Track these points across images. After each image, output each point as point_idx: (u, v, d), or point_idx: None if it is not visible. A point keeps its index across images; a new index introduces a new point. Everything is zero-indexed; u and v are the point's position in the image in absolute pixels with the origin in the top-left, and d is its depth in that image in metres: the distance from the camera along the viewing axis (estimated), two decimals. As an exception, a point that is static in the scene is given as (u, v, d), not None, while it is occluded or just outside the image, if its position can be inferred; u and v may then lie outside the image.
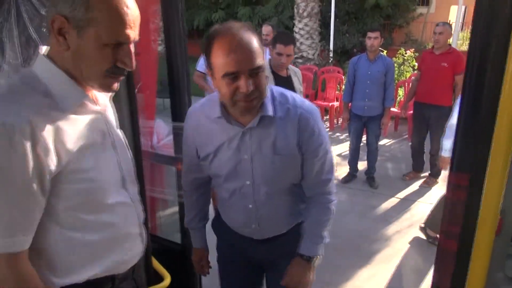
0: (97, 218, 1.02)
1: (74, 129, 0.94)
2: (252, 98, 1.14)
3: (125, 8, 0.90)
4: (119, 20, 0.89)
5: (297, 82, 2.87)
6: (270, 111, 1.24)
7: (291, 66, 2.91)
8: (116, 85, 0.99)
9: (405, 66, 7.22)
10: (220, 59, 1.10)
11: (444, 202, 1.21)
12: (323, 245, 1.42)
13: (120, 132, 1.15)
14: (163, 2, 1.68)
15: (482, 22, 1.00)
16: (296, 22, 9.16)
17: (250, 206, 1.37)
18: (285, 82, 2.66)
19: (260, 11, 12.27)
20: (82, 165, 0.95)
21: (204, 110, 1.33)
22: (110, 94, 1.09)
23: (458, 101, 2.87)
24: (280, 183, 1.35)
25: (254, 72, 1.11)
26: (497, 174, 0.94)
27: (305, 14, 8.98)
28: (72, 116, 0.94)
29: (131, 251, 1.13)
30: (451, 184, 1.16)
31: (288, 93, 1.32)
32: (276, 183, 1.34)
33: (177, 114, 1.81)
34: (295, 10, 9.18)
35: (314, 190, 1.40)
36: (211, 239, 1.62)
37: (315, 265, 1.43)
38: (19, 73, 0.98)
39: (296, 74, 2.91)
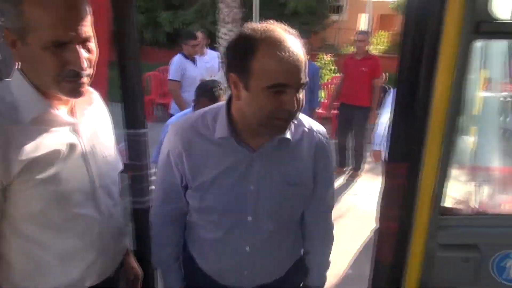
0: (54, 229, 1.02)
1: (32, 140, 0.93)
2: (290, 117, 0.99)
3: (61, 7, 0.88)
4: (54, 19, 0.87)
5: None
6: (288, 133, 1.07)
7: None
8: (81, 90, 0.96)
9: (324, 70, 7.74)
10: (270, 66, 0.92)
11: (383, 190, 1.41)
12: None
13: (101, 144, 1.12)
14: (114, 5, 1.61)
15: (412, 22, 1.11)
16: (220, 27, 9.29)
17: (247, 248, 1.15)
18: None
19: (181, 15, 12.16)
20: (38, 175, 0.95)
21: (196, 127, 1.10)
22: (91, 104, 1.10)
23: (386, 101, 3.19)
24: (286, 219, 1.18)
25: (301, 88, 0.97)
26: (432, 161, 1.14)
27: (228, 19, 9.14)
28: (32, 128, 0.94)
29: (91, 267, 1.10)
30: (389, 173, 1.36)
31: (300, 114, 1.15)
32: (283, 219, 1.16)
33: (131, 121, 1.80)
34: (218, 16, 9.30)
35: (319, 219, 1.28)
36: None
37: None
38: None
39: None
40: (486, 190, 1.75)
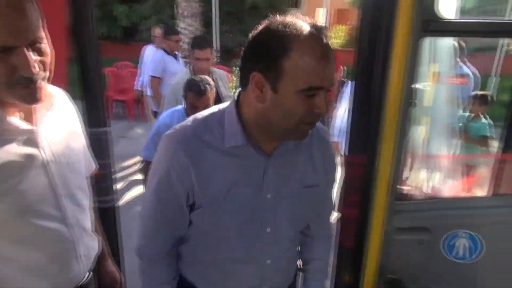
0: (18, 243, 0.97)
1: None
2: (317, 120, 0.92)
3: (2, 10, 0.81)
4: None
5: (222, 86, 2.73)
6: None
7: (216, 70, 2.85)
8: (37, 96, 0.90)
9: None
10: (306, 67, 0.81)
11: (344, 179, 1.49)
12: None
13: (66, 150, 1.05)
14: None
15: (367, 21, 1.18)
16: (179, 22, 9.16)
17: (269, 261, 1.06)
18: None
19: (137, 9, 11.86)
20: None
21: (200, 136, 0.96)
22: (52, 109, 1.03)
23: (344, 93, 3.28)
24: (303, 224, 1.12)
25: (330, 89, 0.88)
26: (388, 152, 1.22)
27: (187, 13, 9.03)
28: None
29: (61, 277, 1.05)
30: (350, 164, 1.44)
31: None
32: (299, 224, 1.10)
33: (92, 119, 1.76)
34: (176, 10, 9.16)
35: (321, 223, 1.20)
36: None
37: None
38: None
39: (221, 78, 2.78)
40: (436, 176, 1.89)
